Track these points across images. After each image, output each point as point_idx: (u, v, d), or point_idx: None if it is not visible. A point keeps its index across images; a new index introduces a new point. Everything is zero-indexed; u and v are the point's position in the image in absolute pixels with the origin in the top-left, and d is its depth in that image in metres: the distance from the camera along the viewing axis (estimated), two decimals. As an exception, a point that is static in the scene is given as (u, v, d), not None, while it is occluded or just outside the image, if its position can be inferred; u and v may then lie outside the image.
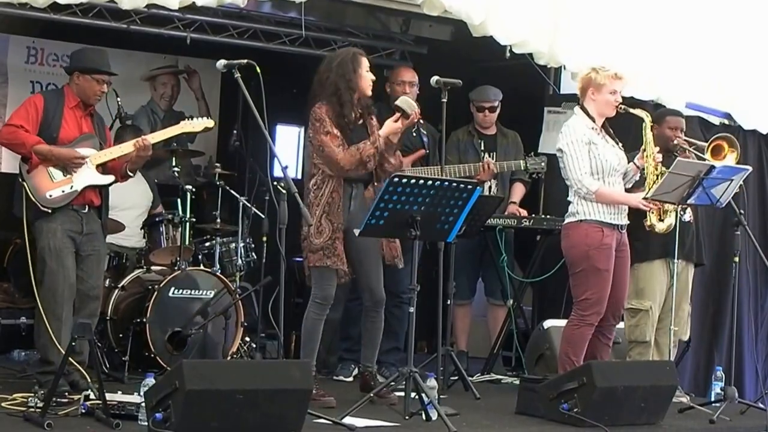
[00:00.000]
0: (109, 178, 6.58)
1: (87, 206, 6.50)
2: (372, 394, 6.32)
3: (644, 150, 6.97)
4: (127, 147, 6.55)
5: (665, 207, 7.08)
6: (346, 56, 6.66)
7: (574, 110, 6.93)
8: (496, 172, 8.18)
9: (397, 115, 6.59)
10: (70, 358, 5.85)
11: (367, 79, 6.64)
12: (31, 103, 6.49)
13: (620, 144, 6.93)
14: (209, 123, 6.90)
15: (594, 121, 6.82)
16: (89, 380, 6.12)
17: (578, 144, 6.72)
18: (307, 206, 6.36)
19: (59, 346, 6.13)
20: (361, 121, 6.71)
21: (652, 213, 7.04)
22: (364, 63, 6.65)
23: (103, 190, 6.60)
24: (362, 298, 6.81)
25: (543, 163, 8.21)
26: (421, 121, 7.48)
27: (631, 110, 7.03)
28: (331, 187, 6.54)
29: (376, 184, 6.64)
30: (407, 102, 6.64)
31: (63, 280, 6.34)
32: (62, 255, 6.35)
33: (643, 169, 6.96)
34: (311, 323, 6.60)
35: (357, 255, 6.65)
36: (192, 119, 6.89)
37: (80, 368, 6.19)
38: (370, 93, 6.70)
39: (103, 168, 6.52)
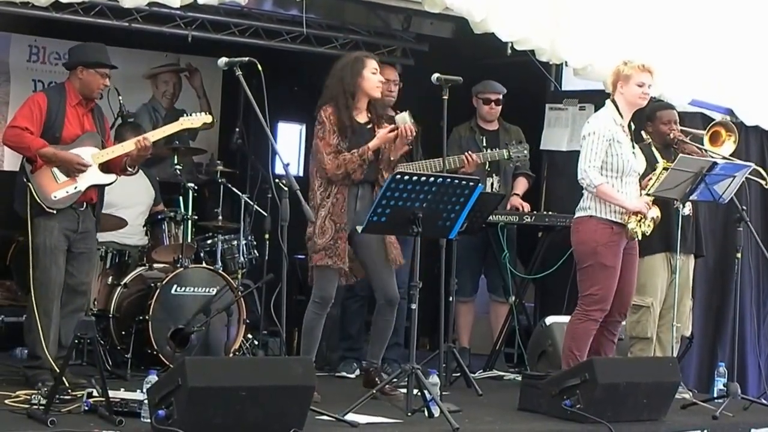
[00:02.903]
0: (111, 177, 6.61)
1: (85, 204, 6.54)
2: (375, 391, 6.32)
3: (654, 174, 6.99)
4: (128, 146, 6.59)
5: (648, 222, 6.99)
6: (348, 61, 6.61)
7: (606, 103, 6.89)
8: (480, 163, 8.11)
9: (391, 126, 6.54)
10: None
11: (372, 80, 6.59)
12: (35, 102, 6.49)
13: (638, 147, 6.91)
14: (207, 119, 6.95)
15: (622, 117, 6.79)
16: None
17: (599, 137, 6.67)
18: (312, 208, 6.37)
19: (45, 342, 6.30)
20: (370, 125, 6.66)
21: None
22: (369, 65, 6.60)
23: (101, 187, 6.63)
24: (376, 297, 6.78)
25: (526, 151, 8.11)
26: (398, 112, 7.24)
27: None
28: (336, 187, 6.53)
29: (376, 188, 6.61)
30: (403, 118, 6.57)
31: (54, 277, 6.42)
32: (56, 253, 6.42)
33: (645, 187, 6.95)
34: (308, 322, 6.64)
35: (363, 256, 6.66)
36: (191, 115, 6.92)
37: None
38: (377, 94, 6.64)
39: (104, 165, 6.54)
